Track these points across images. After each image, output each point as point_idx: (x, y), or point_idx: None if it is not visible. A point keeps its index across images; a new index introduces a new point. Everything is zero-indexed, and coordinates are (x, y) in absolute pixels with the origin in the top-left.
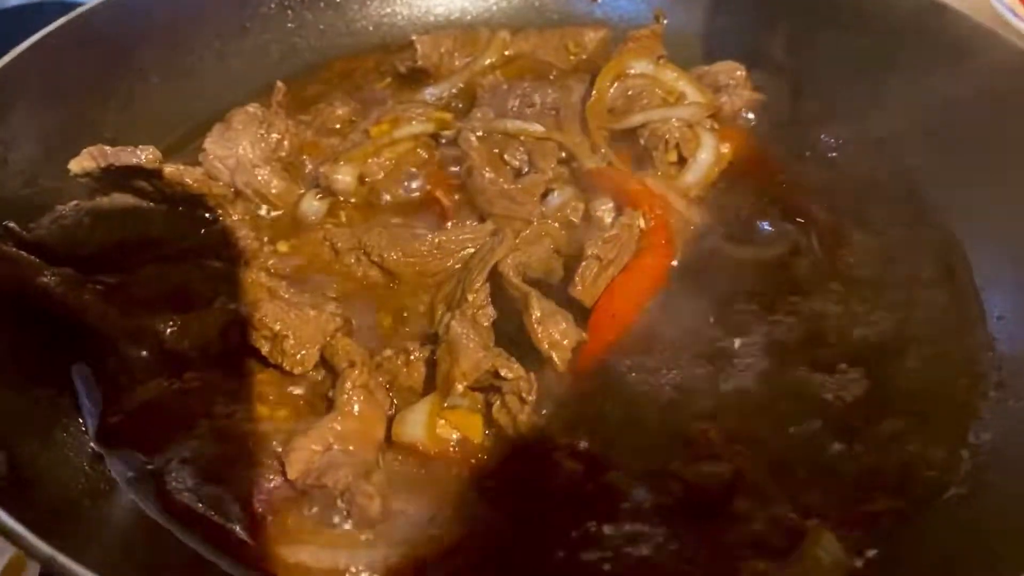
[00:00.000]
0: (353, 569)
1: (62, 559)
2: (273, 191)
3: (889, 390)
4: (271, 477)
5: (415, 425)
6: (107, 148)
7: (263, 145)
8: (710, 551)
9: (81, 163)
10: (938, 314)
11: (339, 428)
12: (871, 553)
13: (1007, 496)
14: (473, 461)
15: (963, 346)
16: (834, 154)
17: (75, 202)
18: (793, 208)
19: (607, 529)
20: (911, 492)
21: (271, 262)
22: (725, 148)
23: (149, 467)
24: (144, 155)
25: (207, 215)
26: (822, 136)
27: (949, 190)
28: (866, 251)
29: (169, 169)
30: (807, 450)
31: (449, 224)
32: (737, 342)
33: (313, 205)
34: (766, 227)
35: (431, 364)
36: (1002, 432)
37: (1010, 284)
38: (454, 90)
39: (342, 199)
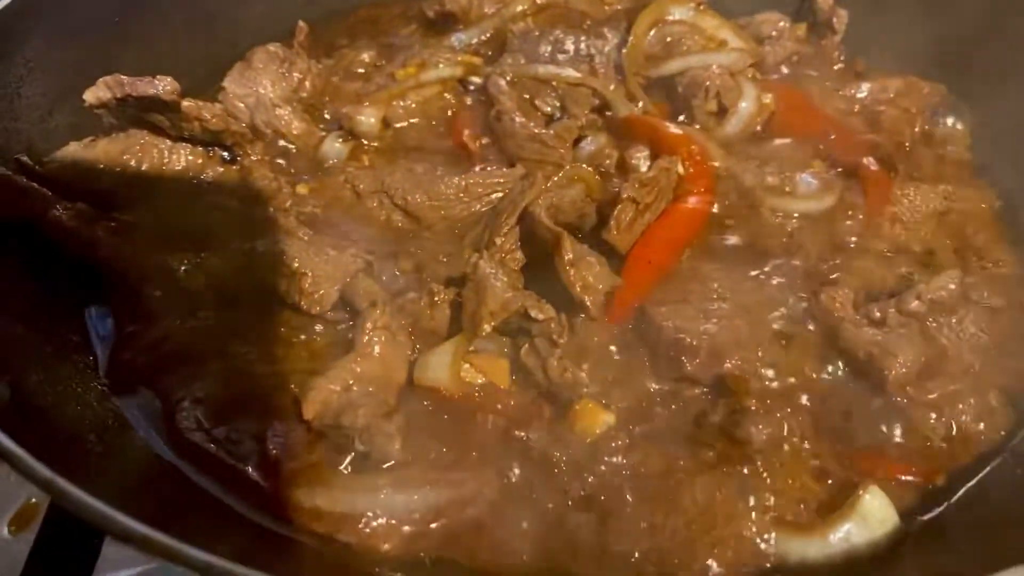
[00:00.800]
0: (370, 514)
1: (61, 483)
2: (294, 131)
3: (939, 349)
4: (287, 418)
5: (439, 368)
6: (123, 78)
7: (284, 84)
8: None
9: (96, 93)
10: (992, 273)
11: (359, 369)
12: (926, 516)
13: None
14: (499, 407)
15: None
16: (883, 108)
17: (91, 138)
18: (840, 162)
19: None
20: (965, 455)
21: (288, 204)
22: (768, 98)
23: (160, 405)
24: (162, 86)
25: (225, 154)
26: (873, 89)
27: (1004, 145)
28: (915, 210)
29: (187, 103)
30: (856, 408)
31: (477, 168)
32: (778, 294)
33: (335, 147)
34: (810, 180)
35: (456, 308)
36: None
37: None
38: (483, 37)
39: (365, 142)
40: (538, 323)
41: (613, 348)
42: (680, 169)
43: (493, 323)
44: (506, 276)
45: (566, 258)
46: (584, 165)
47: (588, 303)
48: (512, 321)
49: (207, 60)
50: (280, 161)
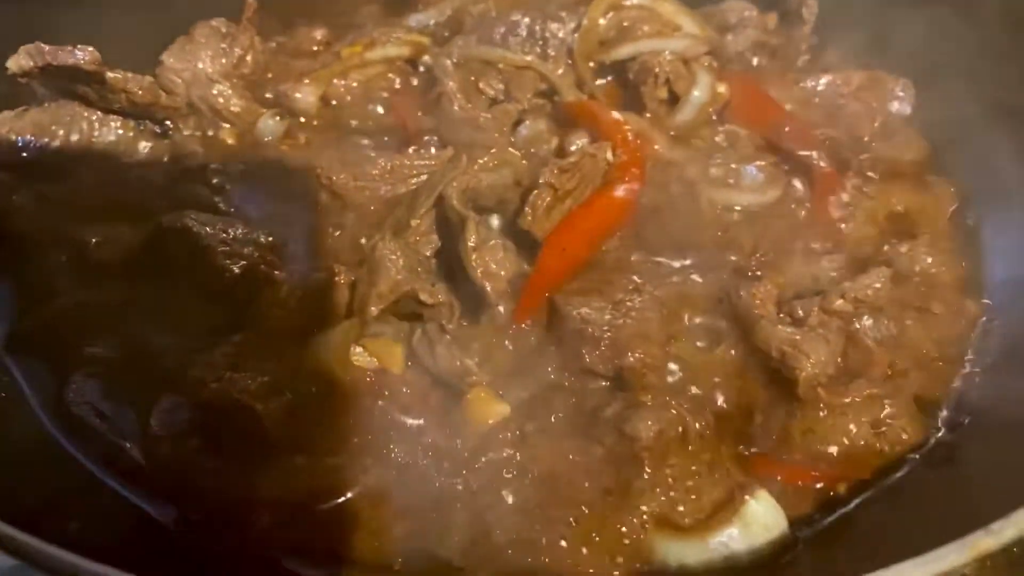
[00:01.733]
0: (253, 497)
1: None
2: (232, 108)
3: (862, 351)
4: (172, 397)
5: (327, 350)
6: (44, 46)
7: (224, 60)
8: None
9: (18, 61)
10: (932, 278)
11: (247, 344)
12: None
13: (974, 471)
14: (387, 393)
15: (954, 312)
16: (843, 101)
17: (23, 107)
18: (791, 156)
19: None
20: (868, 465)
21: (215, 180)
22: (722, 88)
23: (54, 378)
24: (83, 55)
25: (158, 129)
26: (833, 81)
27: (963, 144)
28: (862, 208)
29: (112, 75)
30: (763, 408)
31: (411, 150)
32: (700, 289)
33: (269, 124)
34: (755, 172)
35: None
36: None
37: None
38: (442, 18)
39: (303, 120)
40: (429, 307)
41: (517, 337)
42: (610, 156)
43: (381, 305)
44: (404, 258)
45: (468, 243)
46: (512, 150)
47: (488, 290)
48: (408, 305)
49: (155, 33)
50: (216, 134)
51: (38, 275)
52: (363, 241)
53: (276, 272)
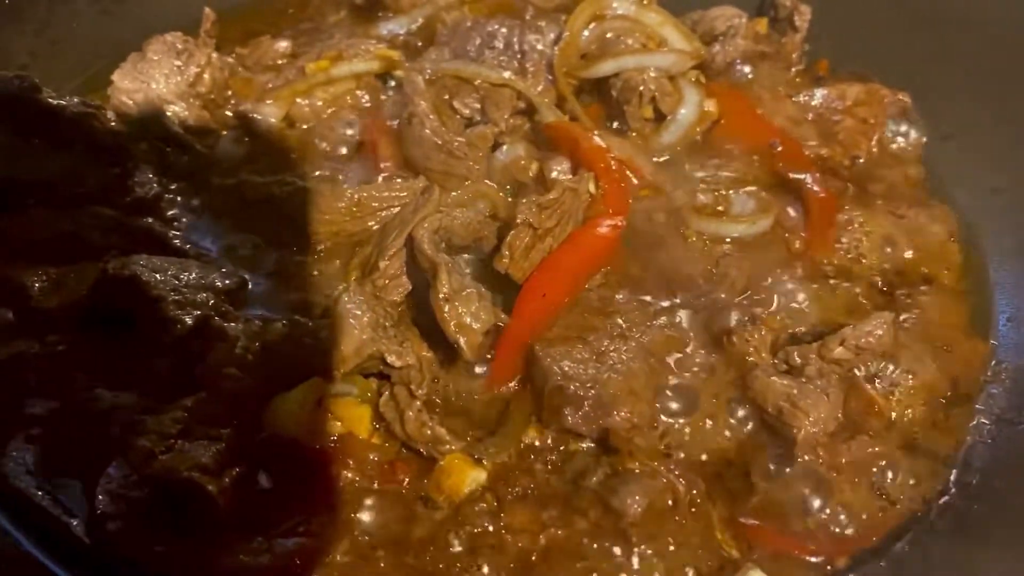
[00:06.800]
0: None
1: None
2: (188, 130)
3: (864, 402)
4: (120, 467)
5: (286, 416)
6: None
7: (179, 79)
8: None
9: None
10: (937, 317)
11: (201, 406)
12: None
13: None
14: (351, 462)
15: (961, 354)
16: (838, 117)
17: None
18: (783, 180)
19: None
20: (872, 533)
21: (171, 212)
22: (711, 105)
23: None
24: (19, 83)
25: (108, 156)
26: (829, 96)
27: (965, 169)
28: (861, 236)
29: (48, 102)
30: (759, 470)
31: (380, 178)
32: (690, 334)
33: (228, 148)
34: (746, 199)
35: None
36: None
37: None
38: (414, 27)
39: (266, 142)
40: (396, 370)
41: (494, 394)
42: (592, 188)
43: (344, 368)
44: (370, 313)
45: (440, 293)
46: (488, 181)
47: (462, 345)
48: (370, 364)
49: (115, 47)
50: (174, 159)
51: None
52: (323, 277)
53: (231, 324)
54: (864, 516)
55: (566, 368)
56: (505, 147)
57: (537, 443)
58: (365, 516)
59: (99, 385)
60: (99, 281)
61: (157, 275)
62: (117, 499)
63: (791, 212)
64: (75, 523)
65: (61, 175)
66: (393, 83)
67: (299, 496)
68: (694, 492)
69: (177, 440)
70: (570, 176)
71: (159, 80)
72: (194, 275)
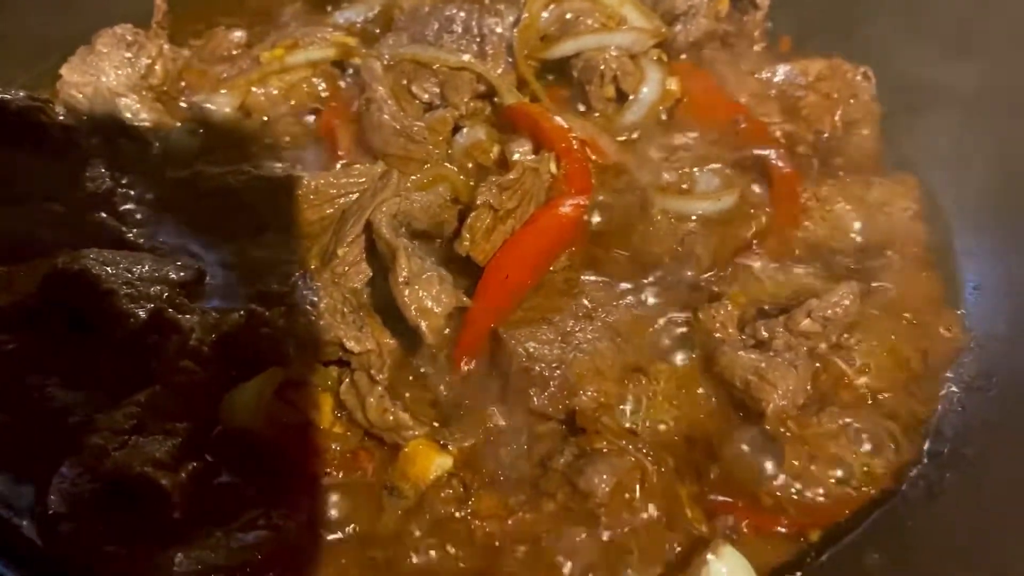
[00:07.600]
0: None
1: None
2: (141, 123)
3: (833, 375)
4: (73, 465)
5: (242, 408)
6: None
7: (129, 71)
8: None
9: None
10: (905, 287)
11: (155, 401)
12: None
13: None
14: (313, 451)
15: (929, 324)
16: (802, 93)
17: None
18: (747, 157)
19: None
20: (843, 506)
21: (125, 206)
22: (673, 84)
23: None
24: None
25: (58, 151)
26: (792, 72)
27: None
28: (827, 212)
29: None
30: (728, 445)
31: (339, 165)
32: (656, 312)
33: (183, 140)
34: (712, 177)
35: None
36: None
37: (990, 249)
38: (371, 14)
39: (221, 133)
40: (355, 355)
41: (458, 378)
42: (553, 168)
43: (301, 357)
44: (327, 299)
45: (399, 277)
46: (448, 164)
47: (424, 329)
48: (330, 351)
49: (65, 41)
50: (127, 152)
51: None
52: (282, 266)
53: (185, 316)
54: (835, 488)
55: (531, 349)
56: (465, 130)
57: (503, 426)
58: (328, 507)
59: (51, 384)
60: (48, 276)
61: (108, 268)
62: (70, 499)
63: (756, 189)
64: (26, 524)
65: (8, 171)
66: (349, 71)
67: (259, 489)
68: (663, 470)
69: (131, 436)
70: (531, 157)
71: (109, 73)
72: (147, 268)
